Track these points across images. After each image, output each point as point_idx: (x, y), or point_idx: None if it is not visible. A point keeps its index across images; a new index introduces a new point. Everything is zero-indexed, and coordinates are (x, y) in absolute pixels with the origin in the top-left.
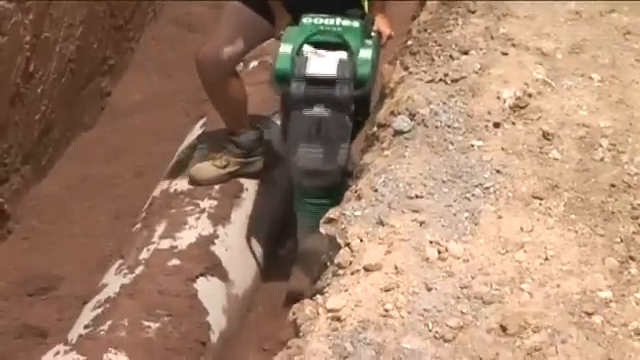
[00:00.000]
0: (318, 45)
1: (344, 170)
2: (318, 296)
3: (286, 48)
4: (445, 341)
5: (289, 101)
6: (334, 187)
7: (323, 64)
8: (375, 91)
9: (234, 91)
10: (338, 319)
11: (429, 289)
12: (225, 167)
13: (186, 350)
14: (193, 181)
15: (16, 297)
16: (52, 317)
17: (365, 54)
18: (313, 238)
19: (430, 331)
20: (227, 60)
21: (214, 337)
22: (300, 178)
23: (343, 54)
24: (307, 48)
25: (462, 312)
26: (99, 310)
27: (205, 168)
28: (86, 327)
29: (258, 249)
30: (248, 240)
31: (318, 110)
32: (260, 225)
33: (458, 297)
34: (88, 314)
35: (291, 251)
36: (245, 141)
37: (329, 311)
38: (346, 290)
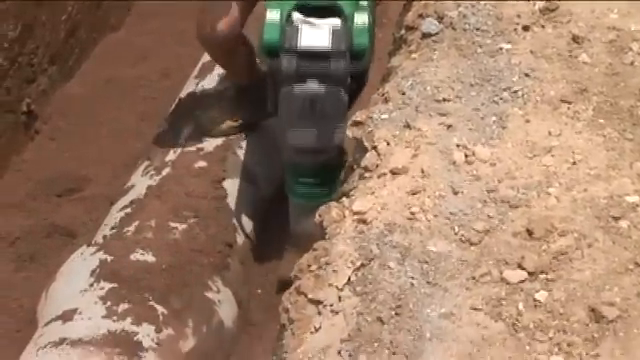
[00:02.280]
0: (308, 10)
1: (341, 147)
2: (344, 199)
3: (273, 15)
4: (471, 244)
5: (279, 77)
6: (330, 166)
7: (315, 35)
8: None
9: (242, 56)
10: (364, 222)
11: (455, 193)
12: (238, 120)
13: (213, 252)
14: (205, 132)
15: (44, 197)
16: (80, 217)
17: (361, 20)
18: (306, 221)
19: (456, 234)
20: (231, 31)
21: (240, 239)
22: (293, 156)
23: (336, 21)
24: (297, 15)
25: (488, 216)
26: (126, 211)
27: (214, 116)
28: (113, 228)
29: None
30: (274, 144)
31: (311, 86)
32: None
33: (485, 201)
34: (115, 215)
35: (283, 233)
36: (256, 98)
37: (355, 214)
38: (372, 193)
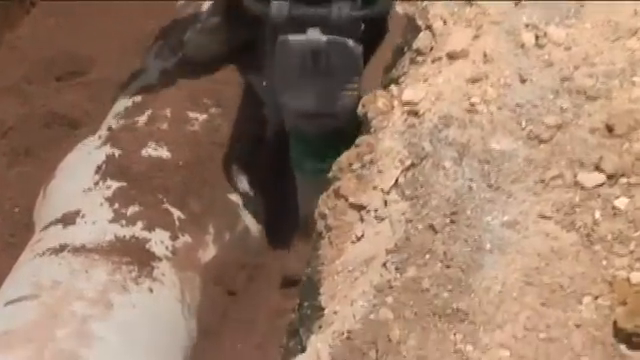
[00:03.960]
0: None
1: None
2: (393, 87)
3: None
4: (540, 142)
5: (271, 24)
6: (342, 134)
7: None
8: None
9: None
10: (416, 114)
11: (523, 81)
12: (227, 40)
13: (236, 146)
14: (190, 56)
15: (42, 81)
16: (83, 105)
17: None
18: (314, 198)
19: (523, 130)
20: None
21: (271, 132)
22: (294, 121)
23: None
24: None
25: (561, 108)
26: (137, 98)
27: (203, 42)
28: (121, 117)
29: None
30: None
31: (312, 36)
32: None
33: (557, 91)
34: (124, 102)
35: (290, 220)
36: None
37: (405, 104)
38: (426, 80)
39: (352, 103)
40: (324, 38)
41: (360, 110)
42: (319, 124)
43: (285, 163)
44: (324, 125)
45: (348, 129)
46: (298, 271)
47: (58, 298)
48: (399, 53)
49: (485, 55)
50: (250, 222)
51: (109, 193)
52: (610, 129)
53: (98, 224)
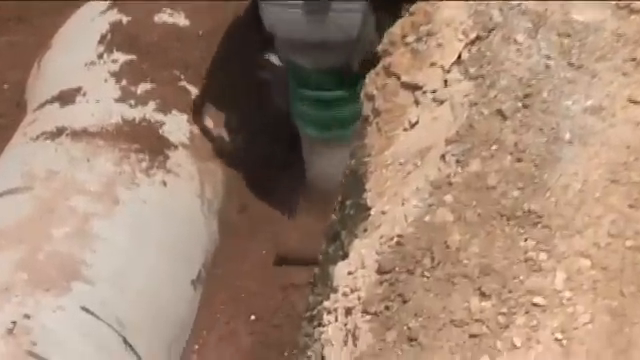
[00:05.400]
0: None
1: (365, 40)
2: None
3: None
4: (631, 12)
5: None
6: (348, 69)
7: None
8: None
9: None
10: None
11: None
12: None
13: None
14: None
15: None
16: None
17: None
18: (322, 160)
19: None
20: None
21: None
22: (287, 55)
23: None
24: None
25: None
26: None
27: None
28: None
29: None
30: None
31: None
32: None
33: None
34: None
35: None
36: None
37: None
38: None
39: (355, 27)
40: None
41: None
42: (315, 58)
43: None
44: (321, 60)
45: (354, 67)
46: (295, 249)
47: (54, 191)
48: None
49: None
50: (281, 103)
51: (115, 67)
52: None
53: (102, 104)
